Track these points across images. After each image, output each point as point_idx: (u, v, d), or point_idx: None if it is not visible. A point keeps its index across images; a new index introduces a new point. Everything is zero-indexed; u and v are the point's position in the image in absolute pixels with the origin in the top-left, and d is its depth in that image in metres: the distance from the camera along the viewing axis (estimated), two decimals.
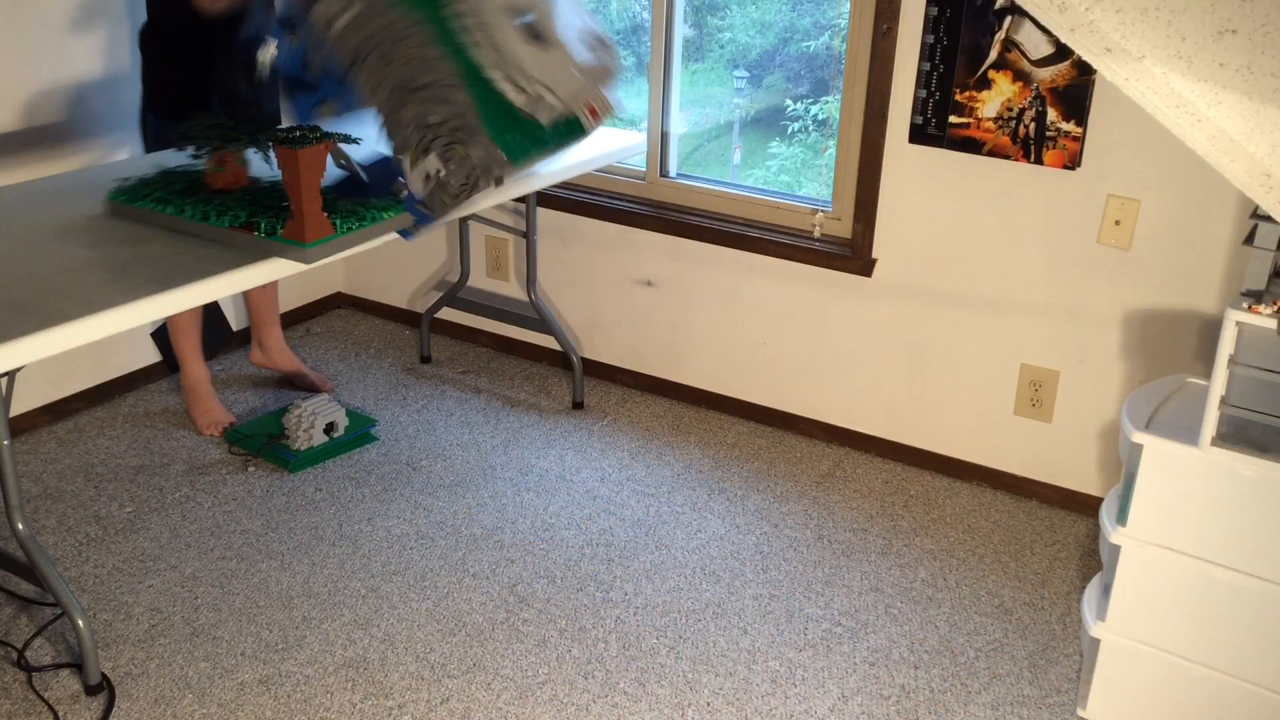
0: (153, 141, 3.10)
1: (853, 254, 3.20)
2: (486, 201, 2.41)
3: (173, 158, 2.78)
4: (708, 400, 3.59)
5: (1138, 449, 2.22)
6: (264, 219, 2.32)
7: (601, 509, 3.08)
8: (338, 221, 2.32)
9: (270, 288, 3.59)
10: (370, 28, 2.06)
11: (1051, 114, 2.81)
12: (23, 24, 3.08)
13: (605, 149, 3.22)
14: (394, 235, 2.42)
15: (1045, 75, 2.79)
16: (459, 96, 2.03)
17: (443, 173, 2.08)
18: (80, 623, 2.35)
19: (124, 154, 3.34)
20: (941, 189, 3.03)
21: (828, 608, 2.71)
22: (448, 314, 3.98)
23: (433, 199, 2.12)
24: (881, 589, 2.78)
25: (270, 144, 2.33)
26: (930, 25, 2.89)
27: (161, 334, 3.60)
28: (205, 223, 2.35)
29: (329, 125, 2.43)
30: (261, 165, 2.53)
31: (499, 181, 2.09)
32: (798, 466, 3.31)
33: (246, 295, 3.61)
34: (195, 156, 2.49)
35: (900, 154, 3.05)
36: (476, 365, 3.87)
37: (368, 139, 2.47)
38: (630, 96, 3.75)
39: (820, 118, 3.49)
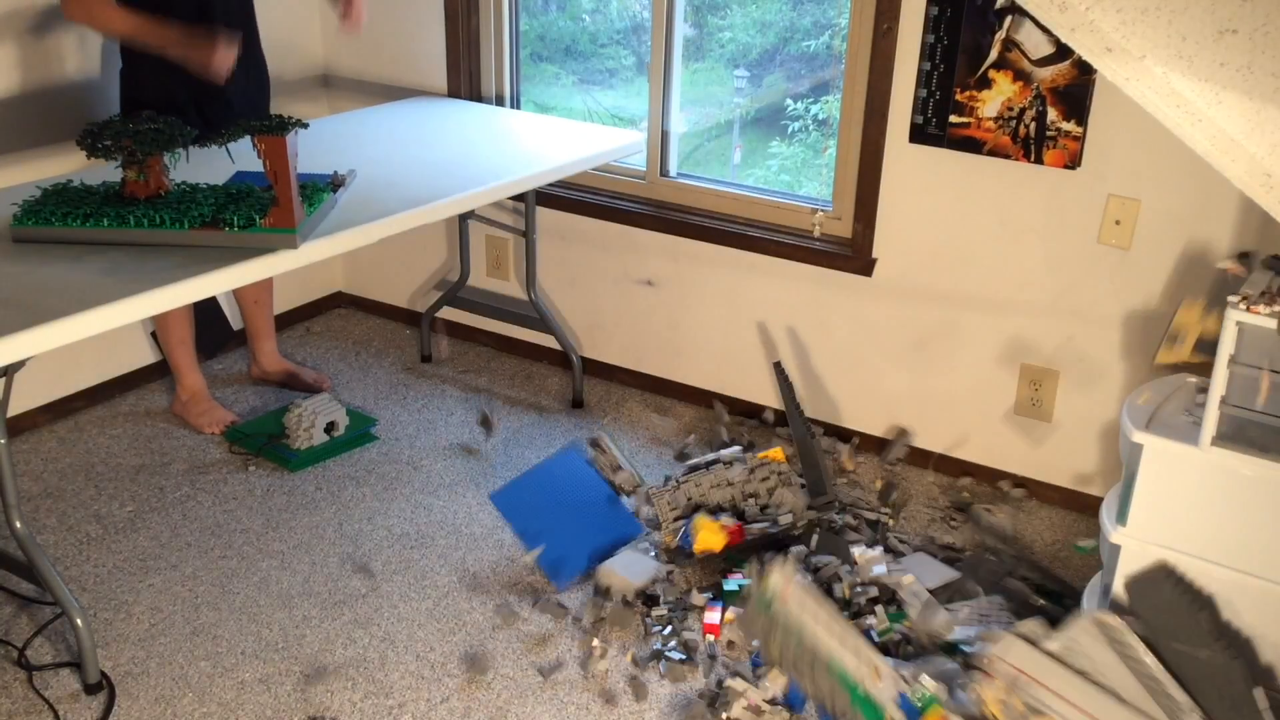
0: None
1: (853, 254, 3.20)
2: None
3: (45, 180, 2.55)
4: (708, 400, 3.59)
5: (1138, 449, 2.22)
6: (230, 214, 2.29)
7: None
8: (306, 206, 2.37)
9: (265, 299, 3.59)
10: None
11: (1052, 114, 2.81)
12: None
13: (604, 147, 3.22)
14: (378, 236, 2.49)
15: (1046, 75, 2.79)
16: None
17: None
18: (79, 622, 2.36)
19: None
20: (942, 189, 3.03)
21: None
22: (448, 313, 3.98)
23: None
24: None
25: (232, 137, 2.36)
26: (930, 25, 2.89)
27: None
28: (160, 228, 2.27)
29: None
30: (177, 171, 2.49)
31: None
32: None
33: (242, 308, 3.61)
34: (128, 163, 2.35)
35: (900, 154, 3.05)
36: (476, 365, 3.87)
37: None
38: (630, 96, 3.75)
39: (820, 117, 3.49)
